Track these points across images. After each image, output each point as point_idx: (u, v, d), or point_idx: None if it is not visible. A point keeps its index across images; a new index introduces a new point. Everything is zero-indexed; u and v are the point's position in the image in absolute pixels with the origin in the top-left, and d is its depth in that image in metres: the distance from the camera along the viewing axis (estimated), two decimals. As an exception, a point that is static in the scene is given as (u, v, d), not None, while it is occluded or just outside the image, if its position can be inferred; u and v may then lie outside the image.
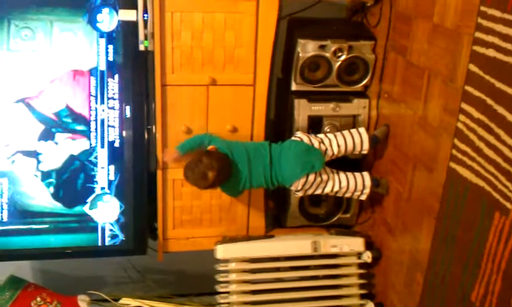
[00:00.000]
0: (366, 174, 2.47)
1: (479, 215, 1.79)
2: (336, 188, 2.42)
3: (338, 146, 2.39)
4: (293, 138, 2.38)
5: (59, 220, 2.45)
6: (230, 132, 2.43)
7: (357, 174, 2.46)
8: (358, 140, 2.42)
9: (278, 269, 2.62)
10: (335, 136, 2.41)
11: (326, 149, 2.37)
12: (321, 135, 2.42)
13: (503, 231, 1.67)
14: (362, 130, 2.45)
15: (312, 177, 2.33)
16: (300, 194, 2.43)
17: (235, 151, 2.30)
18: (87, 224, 2.47)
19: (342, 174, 2.43)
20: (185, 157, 2.31)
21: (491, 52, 1.70)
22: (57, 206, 2.43)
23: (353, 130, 2.45)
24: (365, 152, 2.45)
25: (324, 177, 2.37)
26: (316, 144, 2.34)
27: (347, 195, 2.49)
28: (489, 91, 1.72)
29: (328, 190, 2.42)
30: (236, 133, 2.44)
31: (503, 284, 1.68)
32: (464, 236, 1.87)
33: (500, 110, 1.66)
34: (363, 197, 2.49)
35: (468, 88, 1.83)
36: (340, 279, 2.64)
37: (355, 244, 2.63)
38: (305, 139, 2.34)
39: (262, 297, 2.57)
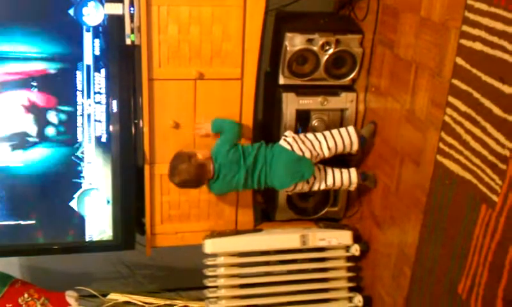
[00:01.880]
0: (353, 170, 2.48)
1: (465, 208, 1.80)
2: (323, 187, 2.45)
3: (329, 148, 2.39)
4: (283, 142, 2.36)
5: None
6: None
7: (344, 171, 2.47)
8: (347, 141, 2.42)
9: (266, 263, 2.62)
10: (325, 138, 2.40)
11: (317, 154, 2.37)
12: (311, 137, 2.40)
13: (489, 224, 1.68)
14: (352, 130, 2.44)
15: (300, 184, 2.38)
16: (289, 193, 2.50)
17: (233, 161, 2.32)
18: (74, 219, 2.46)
19: (329, 172, 2.45)
20: (214, 136, 2.38)
21: (478, 46, 1.71)
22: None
23: (342, 130, 2.44)
24: (353, 152, 2.47)
25: (311, 180, 2.40)
26: (307, 154, 2.33)
27: (335, 189, 2.52)
28: (476, 85, 1.73)
29: (315, 189, 2.45)
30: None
31: (489, 276, 1.69)
32: (452, 229, 1.89)
33: (487, 103, 1.67)
34: (352, 189, 2.52)
35: (455, 82, 1.84)
36: (328, 272, 2.65)
37: (343, 237, 2.64)
38: (295, 147, 2.33)
39: (250, 291, 2.57)
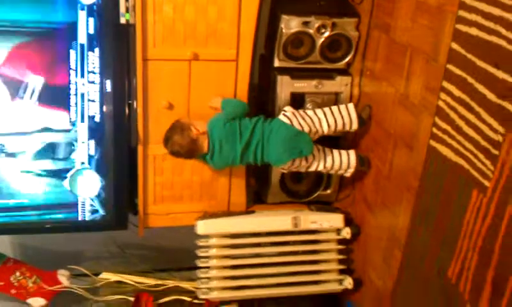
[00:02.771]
0: (352, 153, 2.48)
1: (457, 193, 1.81)
2: (321, 168, 2.45)
3: (328, 125, 2.38)
4: (282, 116, 2.35)
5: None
6: (212, 108, 2.42)
7: (343, 153, 2.47)
8: (347, 119, 2.41)
9: (258, 245, 2.63)
10: (325, 115, 2.39)
11: (316, 131, 2.37)
12: (311, 113, 2.39)
13: (480, 209, 1.69)
14: (351, 108, 2.43)
15: (298, 160, 2.36)
16: (285, 171, 2.48)
17: (229, 134, 2.30)
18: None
19: (328, 154, 2.45)
20: None
21: (473, 31, 1.71)
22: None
23: (342, 108, 2.43)
24: (352, 131, 2.47)
25: (310, 159, 2.39)
26: (306, 129, 2.32)
27: (331, 172, 2.52)
28: (471, 70, 1.73)
29: (312, 169, 2.45)
30: (218, 110, 2.42)
31: (479, 260, 1.71)
32: (443, 214, 1.90)
33: (481, 88, 1.68)
34: (347, 175, 2.52)
35: (450, 66, 1.84)
36: (319, 255, 2.67)
37: (335, 220, 2.66)
38: (295, 122, 2.31)
39: (242, 272, 2.59)
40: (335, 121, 2.39)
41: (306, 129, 2.33)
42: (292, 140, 2.30)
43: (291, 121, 2.32)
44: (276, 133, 2.31)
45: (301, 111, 2.39)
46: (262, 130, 2.32)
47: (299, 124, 2.32)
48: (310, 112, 2.40)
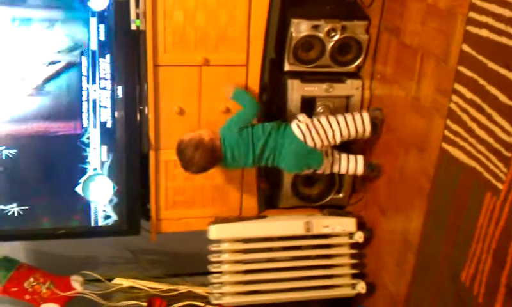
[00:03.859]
0: (360, 159, 2.48)
1: (470, 196, 1.80)
2: (328, 172, 2.47)
3: (342, 136, 2.36)
4: (295, 127, 2.31)
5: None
6: (223, 113, 2.42)
7: (351, 159, 2.48)
8: (361, 128, 2.39)
9: (270, 249, 2.63)
10: (339, 125, 2.35)
11: (329, 143, 2.36)
12: (325, 124, 2.33)
13: (494, 212, 1.68)
14: (366, 118, 2.39)
15: (308, 170, 2.43)
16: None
17: (241, 144, 2.29)
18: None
19: (336, 159, 2.45)
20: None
21: (484, 32, 1.70)
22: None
23: (357, 118, 2.39)
24: (364, 138, 2.47)
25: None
26: (319, 145, 2.31)
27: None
28: (482, 72, 1.72)
29: (320, 172, 2.47)
30: (229, 114, 2.42)
31: (493, 263, 1.69)
32: (456, 217, 1.89)
33: (493, 90, 1.67)
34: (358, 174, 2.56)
35: (461, 68, 1.83)
36: (332, 259, 2.66)
37: (347, 224, 2.65)
38: (308, 138, 2.29)
39: (254, 277, 2.59)
40: (349, 132, 2.38)
41: (319, 145, 2.32)
42: (304, 157, 2.33)
43: (304, 137, 2.30)
44: (288, 147, 2.31)
45: (315, 121, 2.34)
46: (275, 143, 2.31)
47: (312, 139, 2.30)
48: (324, 122, 2.35)
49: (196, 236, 2.62)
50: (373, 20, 2.52)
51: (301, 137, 2.30)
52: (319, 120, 2.36)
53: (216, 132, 2.31)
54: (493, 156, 1.67)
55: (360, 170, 2.48)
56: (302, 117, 2.36)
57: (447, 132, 1.93)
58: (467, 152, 1.81)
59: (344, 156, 2.46)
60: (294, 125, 2.33)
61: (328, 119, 2.37)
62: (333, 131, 2.35)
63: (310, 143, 2.31)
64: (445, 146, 1.95)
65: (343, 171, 2.48)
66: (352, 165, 2.46)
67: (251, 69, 2.41)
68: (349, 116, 2.41)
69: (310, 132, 2.31)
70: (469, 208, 1.81)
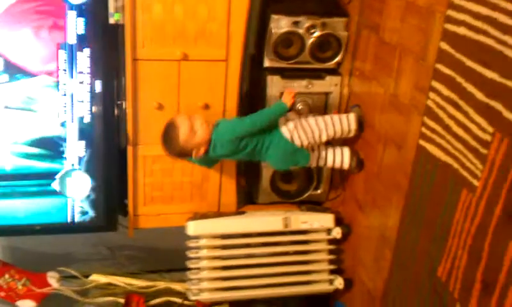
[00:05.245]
0: (346, 151, 2.48)
1: (446, 192, 1.82)
2: (314, 165, 2.48)
3: (327, 136, 2.38)
4: (283, 128, 2.29)
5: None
6: (201, 109, 2.41)
7: (337, 153, 2.47)
8: (346, 129, 2.41)
9: (249, 245, 2.63)
10: (326, 125, 2.36)
11: (315, 142, 2.37)
12: (312, 124, 2.34)
13: (470, 208, 1.70)
14: (352, 120, 2.41)
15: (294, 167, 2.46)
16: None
17: (232, 149, 2.24)
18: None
19: (322, 153, 2.45)
20: None
21: (462, 30, 1.72)
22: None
23: (344, 120, 2.40)
24: (348, 137, 2.48)
25: None
26: (305, 144, 2.33)
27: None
28: (460, 69, 1.74)
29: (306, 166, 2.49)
30: (208, 110, 2.41)
31: (468, 259, 1.72)
32: (432, 213, 1.91)
33: (470, 88, 1.68)
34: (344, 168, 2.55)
35: (439, 66, 1.85)
36: (310, 255, 2.67)
37: (325, 220, 2.66)
38: (295, 137, 2.29)
39: (232, 273, 2.58)
40: (334, 132, 2.39)
41: (306, 143, 2.33)
42: (291, 155, 2.33)
43: (292, 137, 2.29)
44: (276, 146, 2.30)
45: (303, 121, 2.35)
46: (262, 141, 2.29)
47: (299, 138, 2.31)
48: (312, 122, 2.35)
49: (175, 232, 2.60)
50: (353, 17, 2.53)
51: (288, 137, 2.30)
52: (306, 120, 2.37)
53: (210, 121, 2.24)
54: (470, 153, 1.69)
55: (346, 163, 2.48)
56: (291, 115, 2.38)
57: (424, 129, 1.95)
58: (444, 149, 1.83)
59: (329, 150, 2.46)
60: (281, 124, 2.33)
61: (315, 119, 2.39)
62: (319, 130, 2.36)
63: (297, 142, 2.31)
64: (422, 143, 1.96)
65: (329, 164, 2.48)
66: (339, 158, 2.47)
67: (231, 65, 2.40)
68: (335, 118, 2.42)
69: (298, 131, 2.32)
70: (445, 204, 1.83)
